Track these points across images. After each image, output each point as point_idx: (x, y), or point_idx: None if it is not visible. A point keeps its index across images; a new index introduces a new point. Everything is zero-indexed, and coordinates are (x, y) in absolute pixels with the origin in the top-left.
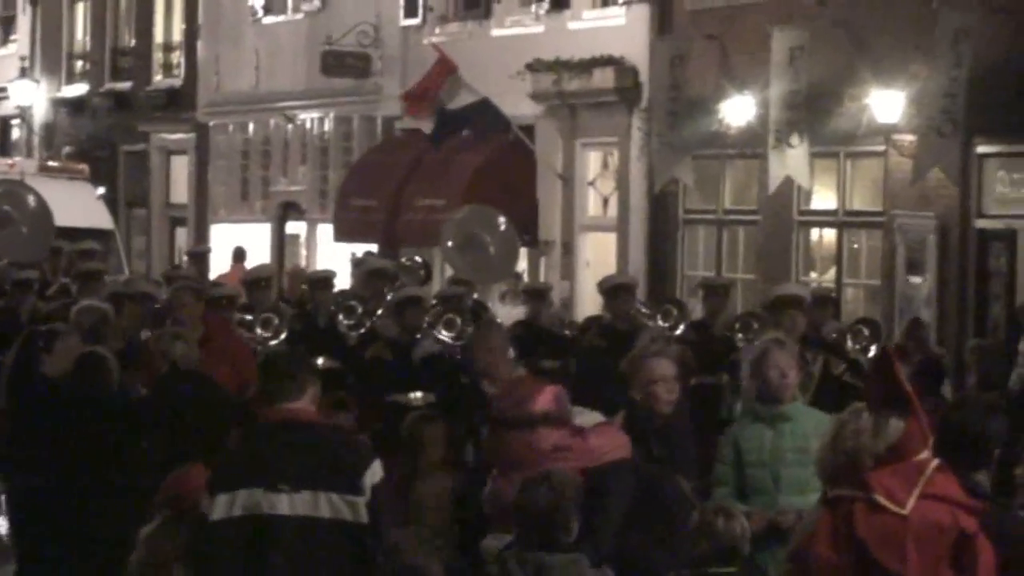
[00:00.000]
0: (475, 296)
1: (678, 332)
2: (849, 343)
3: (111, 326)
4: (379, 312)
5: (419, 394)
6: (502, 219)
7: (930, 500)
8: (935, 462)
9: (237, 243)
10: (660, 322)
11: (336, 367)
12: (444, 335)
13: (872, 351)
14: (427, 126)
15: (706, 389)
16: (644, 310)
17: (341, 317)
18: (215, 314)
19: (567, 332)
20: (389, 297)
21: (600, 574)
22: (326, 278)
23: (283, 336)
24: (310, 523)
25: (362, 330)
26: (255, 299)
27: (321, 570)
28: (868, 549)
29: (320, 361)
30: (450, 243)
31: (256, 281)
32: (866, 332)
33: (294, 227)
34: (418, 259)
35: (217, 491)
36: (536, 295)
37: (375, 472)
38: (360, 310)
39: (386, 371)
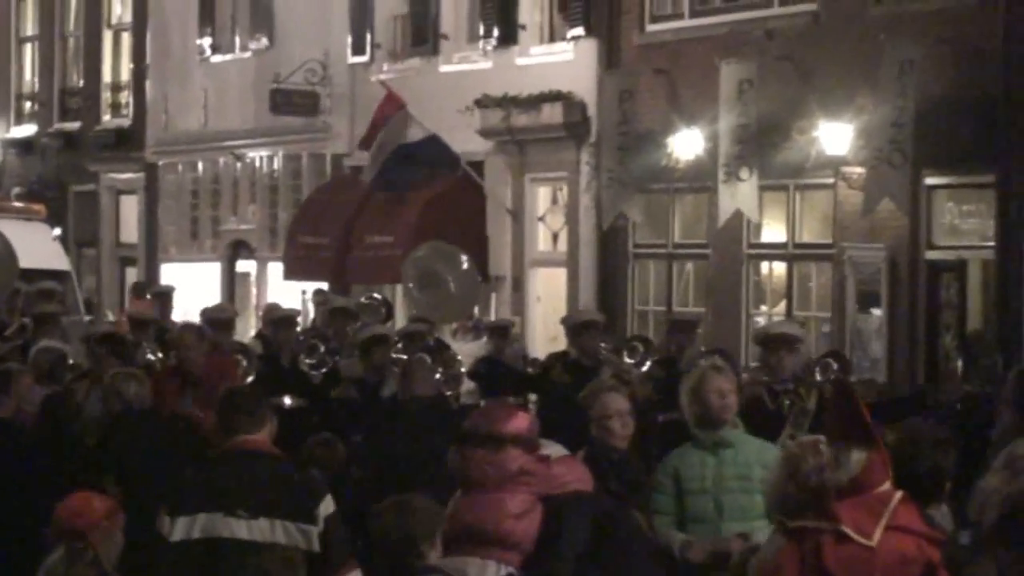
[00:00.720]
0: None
1: (644, 368)
2: (818, 376)
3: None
4: (342, 351)
5: None
6: (464, 257)
7: (896, 532)
8: (899, 494)
9: (187, 282)
10: (626, 358)
11: (302, 406)
12: None
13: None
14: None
15: (674, 426)
16: (607, 346)
17: (303, 356)
18: (220, 355)
19: (530, 369)
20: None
21: None
22: (288, 317)
23: (251, 378)
24: (266, 549)
25: (324, 369)
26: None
27: None
28: None
29: (287, 400)
30: (411, 282)
31: (218, 322)
32: (835, 366)
33: (244, 266)
34: (377, 296)
35: (177, 514)
36: (499, 331)
37: (328, 504)
38: (323, 349)
39: (353, 411)
